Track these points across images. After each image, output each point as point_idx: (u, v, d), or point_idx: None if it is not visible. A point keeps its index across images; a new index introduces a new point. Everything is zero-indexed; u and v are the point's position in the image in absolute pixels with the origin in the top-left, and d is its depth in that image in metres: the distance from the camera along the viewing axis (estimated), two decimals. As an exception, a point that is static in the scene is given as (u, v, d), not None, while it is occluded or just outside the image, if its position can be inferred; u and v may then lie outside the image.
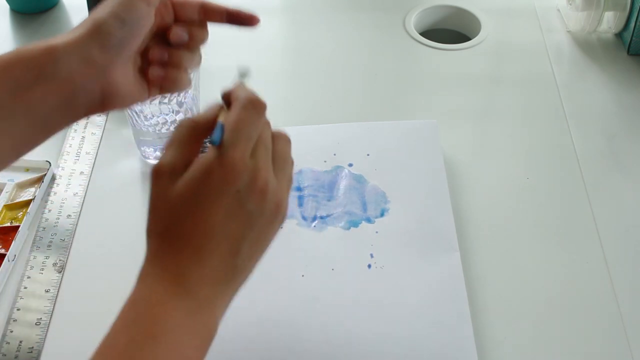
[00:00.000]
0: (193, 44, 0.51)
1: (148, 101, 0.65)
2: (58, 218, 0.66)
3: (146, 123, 0.66)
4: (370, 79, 0.82)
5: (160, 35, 0.50)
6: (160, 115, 0.66)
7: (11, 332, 0.57)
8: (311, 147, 0.69)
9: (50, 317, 0.58)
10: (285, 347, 0.55)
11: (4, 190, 0.68)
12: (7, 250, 0.62)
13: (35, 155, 0.69)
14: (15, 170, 0.70)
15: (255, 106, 0.43)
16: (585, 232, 0.64)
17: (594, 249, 0.63)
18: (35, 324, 0.58)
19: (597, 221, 0.65)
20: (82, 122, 0.75)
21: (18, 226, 0.64)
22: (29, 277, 0.61)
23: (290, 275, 0.59)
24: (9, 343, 0.56)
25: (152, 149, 0.69)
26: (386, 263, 0.60)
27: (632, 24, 0.80)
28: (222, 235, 0.41)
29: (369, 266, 0.60)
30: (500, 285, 0.60)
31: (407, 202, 0.64)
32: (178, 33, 0.50)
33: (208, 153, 0.41)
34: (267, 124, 0.45)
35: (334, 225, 0.63)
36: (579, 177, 0.69)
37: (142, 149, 0.70)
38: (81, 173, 0.70)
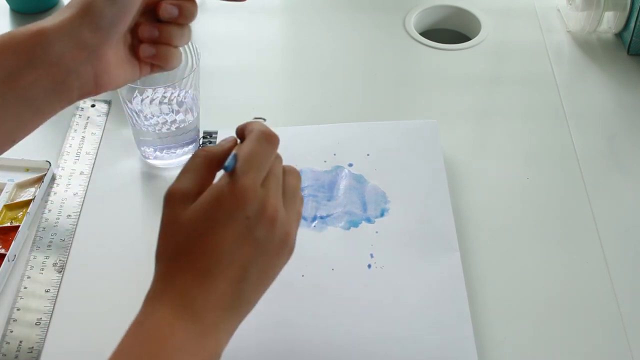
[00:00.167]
0: (183, 19, 0.50)
1: (148, 101, 0.65)
2: (58, 218, 0.66)
3: (146, 123, 0.66)
4: (370, 79, 0.82)
5: (150, 12, 0.49)
6: (160, 115, 0.66)
7: (11, 332, 0.57)
8: (311, 147, 0.69)
9: (50, 317, 0.58)
10: (285, 347, 0.55)
11: (4, 190, 0.68)
12: (7, 250, 0.62)
13: (35, 155, 0.70)
14: (15, 170, 0.70)
15: (269, 139, 0.44)
16: (585, 232, 0.64)
17: (594, 249, 0.63)
18: (35, 324, 0.58)
19: (597, 221, 0.65)
20: (82, 122, 0.75)
21: (18, 226, 0.64)
22: (29, 277, 0.61)
23: (290, 275, 0.59)
24: (9, 343, 0.56)
25: (152, 149, 0.69)
26: (386, 263, 0.60)
27: (632, 24, 0.80)
28: (229, 260, 0.41)
29: (369, 266, 0.60)
30: (500, 285, 0.60)
31: (407, 202, 0.64)
32: (168, 9, 0.49)
33: (220, 180, 0.42)
34: (279, 158, 0.45)
35: (334, 225, 0.63)
36: (579, 177, 0.69)
37: (142, 149, 0.70)
38: (81, 173, 0.70)
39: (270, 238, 0.42)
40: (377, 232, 0.62)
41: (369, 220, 0.63)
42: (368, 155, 0.68)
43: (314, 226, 0.63)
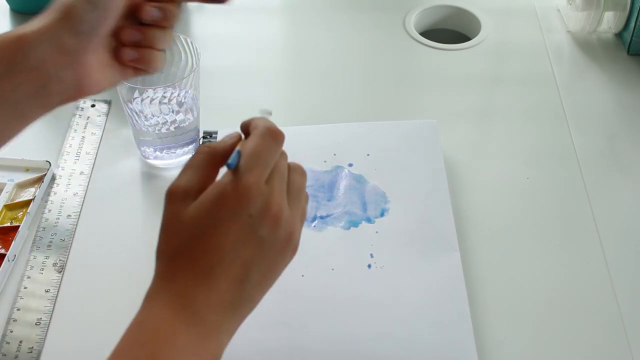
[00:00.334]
0: (165, 22, 0.50)
1: (148, 101, 0.65)
2: (58, 218, 0.66)
3: (146, 123, 0.66)
4: (370, 79, 0.82)
5: (131, 15, 0.49)
6: (160, 115, 0.66)
7: (11, 332, 0.57)
8: (311, 147, 0.69)
9: (50, 317, 0.58)
10: (285, 347, 0.55)
11: (4, 190, 0.68)
12: (7, 250, 0.62)
13: (35, 155, 0.70)
14: (15, 170, 0.70)
15: (274, 135, 0.43)
16: (585, 232, 0.64)
17: (594, 249, 0.63)
18: (35, 324, 0.58)
19: (597, 221, 0.65)
20: (82, 122, 0.75)
21: (18, 226, 0.64)
22: (29, 277, 0.61)
23: (290, 275, 0.59)
24: (9, 343, 0.56)
25: (152, 149, 0.69)
26: (386, 263, 0.60)
27: (632, 24, 0.80)
28: (232, 259, 0.41)
29: (369, 266, 0.60)
30: (500, 285, 0.60)
31: (407, 202, 0.64)
32: (150, 11, 0.48)
33: (223, 177, 0.41)
34: (284, 154, 0.45)
35: (334, 225, 0.63)
36: (579, 177, 0.69)
37: (142, 149, 0.70)
38: (81, 173, 0.70)
39: (274, 237, 0.42)
40: (377, 232, 0.62)
41: (369, 220, 0.63)
42: (368, 155, 0.68)
43: (314, 226, 0.63)
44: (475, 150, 0.73)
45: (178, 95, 0.65)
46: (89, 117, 0.75)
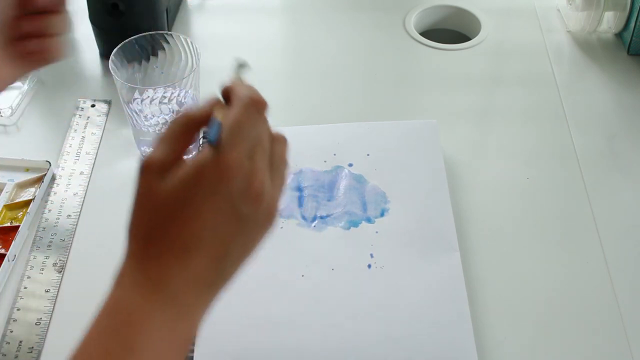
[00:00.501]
0: (58, 6, 0.48)
1: (148, 101, 0.65)
2: (58, 218, 0.66)
3: (146, 123, 0.66)
4: (370, 79, 0.82)
5: (23, 6, 0.47)
6: (160, 115, 0.66)
7: (11, 332, 0.57)
8: (311, 147, 0.69)
9: (50, 317, 0.58)
10: (285, 347, 0.55)
11: (4, 190, 0.68)
12: (7, 250, 0.62)
13: (35, 155, 0.70)
14: (15, 170, 0.70)
15: (257, 106, 0.41)
16: (585, 232, 0.64)
17: (594, 249, 0.63)
18: (35, 324, 0.58)
19: (597, 221, 0.65)
20: (82, 122, 0.75)
21: (18, 226, 0.64)
22: (29, 277, 0.61)
23: (290, 275, 0.59)
24: (9, 343, 0.56)
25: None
26: (386, 263, 0.60)
27: (632, 24, 0.80)
28: (211, 237, 0.38)
29: (369, 266, 0.60)
30: (500, 285, 0.60)
31: (407, 202, 0.64)
32: None
33: (203, 153, 0.38)
34: (267, 124, 0.42)
35: (334, 225, 0.63)
36: (579, 177, 0.69)
37: (142, 149, 0.70)
38: (81, 173, 0.70)
39: (255, 214, 0.39)
40: (377, 232, 0.62)
41: (369, 220, 0.63)
42: (368, 155, 0.68)
43: (314, 226, 0.63)
44: (475, 150, 0.73)
45: (178, 95, 0.65)
46: (89, 117, 0.75)
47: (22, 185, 0.69)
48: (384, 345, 0.55)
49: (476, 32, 0.87)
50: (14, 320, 0.58)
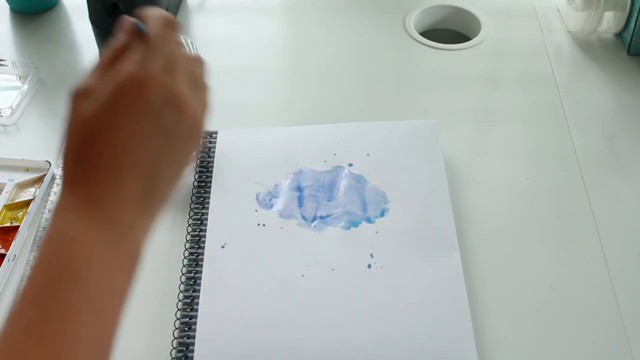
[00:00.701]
0: None
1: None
2: (58, 218, 0.66)
3: (146, 123, 0.66)
4: (370, 79, 0.82)
5: None
6: (160, 115, 0.65)
7: (11, 332, 0.57)
8: (311, 147, 0.69)
9: (50, 317, 0.58)
10: (285, 347, 0.55)
11: (4, 190, 0.68)
12: (7, 250, 0.62)
13: (35, 155, 0.70)
14: (15, 170, 0.70)
15: (169, 24, 0.42)
16: (585, 232, 0.64)
17: (594, 249, 0.63)
18: (35, 324, 0.58)
19: (597, 221, 0.65)
20: (82, 122, 0.75)
21: (18, 226, 0.64)
22: (29, 277, 0.61)
23: (290, 275, 0.59)
24: (9, 343, 0.56)
25: (152, 149, 0.69)
26: (386, 263, 0.60)
27: (632, 24, 0.80)
28: (137, 151, 0.39)
29: (369, 266, 0.60)
30: (500, 285, 0.60)
31: (407, 202, 0.64)
32: None
33: (121, 72, 0.39)
34: (180, 44, 0.43)
35: (334, 225, 0.63)
36: (579, 177, 0.69)
37: (142, 149, 0.70)
38: (81, 173, 0.70)
39: (178, 125, 0.40)
40: (377, 232, 0.62)
41: (369, 220, 0.63)
42: (368, 155, 0.68)
43: (314, 226, 0.63)
44: (475, 150, 0.73)
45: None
46: None
47: (22, 185, 0.69)
48: (384, 345, 0.55)
49: (476, 32, 0.87)
50: (14, 320, 0.58)
